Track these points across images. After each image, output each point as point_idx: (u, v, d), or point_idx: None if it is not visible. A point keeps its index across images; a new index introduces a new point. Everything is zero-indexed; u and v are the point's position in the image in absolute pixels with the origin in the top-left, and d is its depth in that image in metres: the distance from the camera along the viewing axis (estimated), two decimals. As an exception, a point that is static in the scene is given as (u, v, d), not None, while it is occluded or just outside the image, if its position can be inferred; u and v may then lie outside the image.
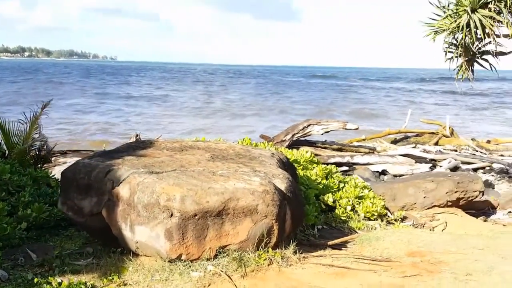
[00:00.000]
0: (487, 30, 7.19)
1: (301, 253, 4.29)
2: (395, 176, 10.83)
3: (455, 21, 7.36)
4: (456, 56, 8.03)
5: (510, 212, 7.84)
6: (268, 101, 36.00)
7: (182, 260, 3.98)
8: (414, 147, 13.94)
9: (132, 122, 22.76)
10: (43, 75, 66.40)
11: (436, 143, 14.69)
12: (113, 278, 3.81)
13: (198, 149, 5.25)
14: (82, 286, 3.63)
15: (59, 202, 4.78)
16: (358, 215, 6.49)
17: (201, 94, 41.15)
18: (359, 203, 6.64)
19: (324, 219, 6.09)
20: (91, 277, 3.87)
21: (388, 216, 6.81)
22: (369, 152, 12.65)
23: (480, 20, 7.13)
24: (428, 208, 7.21)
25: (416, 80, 76.97)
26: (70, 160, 8.92)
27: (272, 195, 4.10)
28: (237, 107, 30.78)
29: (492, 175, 11.17)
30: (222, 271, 3.83)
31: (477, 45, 7.86)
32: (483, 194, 7.81)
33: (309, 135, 12.72)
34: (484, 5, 7.23)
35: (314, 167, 7.20)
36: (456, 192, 7.19)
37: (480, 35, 7.27)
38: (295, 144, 12.27)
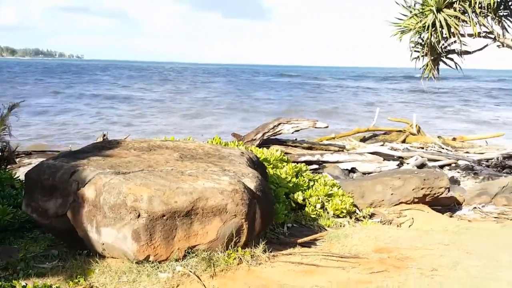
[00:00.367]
0: (452, 30, 7.33)
1: (271, 252, 4.29)
2: (364, 173, 10.97)
3: (421, 20, 7.49)
4: (422, 55, 8.17)
5: (475, 208, 8.03)
6: (238, 100, 35.96)
7: (150, 261, 3.93)
8: (382, 145, 14.14)
9: (97, 122, 22.37)
10: (5, 73, 64.57)
11: (404, 141, 14.95)
12: (79, 281, 3.74)
13: (166, 149, 5.20)
14: (47, 289, 3.55)
15: (23, 204, 4.66)
16: (328, 212, 6.54)
17: (170, 93, 40.74)
18: (329, 200, 6.70)
19: (294, 217, 6.12)
20: (57, 280, 3.79)
21: (357, 213, 6.89)
22: (338, 150, 12.78)
23: (445, 19, 7.27)
24: (396, 205, 7.33)
25: (384, 79, 78.26)
26: (35, 161, 8.72)
27: (241, 194, 4.09)
28: (206, 106, 30.65)
29: (458, 172, 11.43)
30: (191, 272, 3.80)
31: (443, 44, 8.01)
32: (448, 191, 7.98)
33: (280, 133, 12.77)
34: (449, 5, 7.38)
35: (284, 166, 7.22)
36: (422, 188, 7.32)
37: (445, 34, 7.42)
38: (265, 143, 12.30)
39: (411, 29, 7.68)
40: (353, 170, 11.21)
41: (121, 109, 27.75)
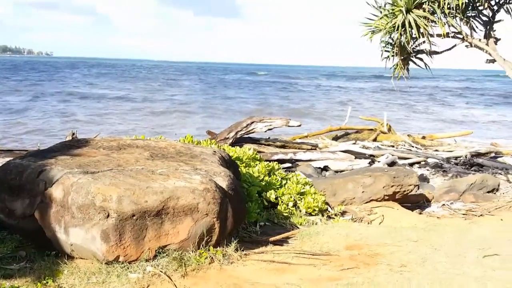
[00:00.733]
0: (421, 30, 7.45)
1: (243, 250, 4.30)
2: (336, 171, 11.06)
3: (391, 21, 7.58)
4: (392, 55, 8.28)
5: (444, 205, 8.19)
6: (210, 99, 35.75)
7: (120, 261, 3.88)
8: (354, 143, 14.29)
9: (65, 120, 21.85)
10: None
11: (375, 139, 15.13)
12: (47, 282, 3.67)
13: (136, 148, 5.14)
14: (14, 291, 3.46)
15: (-11, 204, 4.53)
16: (300, 210, 6.58)
17: (141, 91, 40.16)
18: (301, 199, 6.73)
19: (266, 216, 6.12)
20: (24, 282, 3.71)
21: (329, 211, 6.95)
22: (311, 149, 12.85)
23: (414, 20, 7.38)
24: (367, 202, 7.42)
25: (356, 78, 79.18)
26: (2, 161, 8.49)
27: (213, 193, 4.08)
28: (178, 105, 30.37)
29: (427, 170, 11.64)
30: (161, 272, 3.77)
31: (412, 44, 8.14)
32: (418, 188, 8.13)
33: (253, 132, 12.75)
34: (419, 6, 7.50)
35: (256, 164, 7.23)
36: (392, 186, 7.43)
37: (415, 34, 7.53)
38: (238, 142, 12.27)
39: (381, 29, 7.78)
40: (325, 168, 11.29)
41: (90, 108, 27.23)
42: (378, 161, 11.81)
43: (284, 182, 7.09)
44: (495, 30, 7.95)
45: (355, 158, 11.84)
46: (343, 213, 7.00)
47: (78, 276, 3.78)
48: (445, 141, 15.67)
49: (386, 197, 7.46)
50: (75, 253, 4.01)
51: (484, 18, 7.93)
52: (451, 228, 5.66)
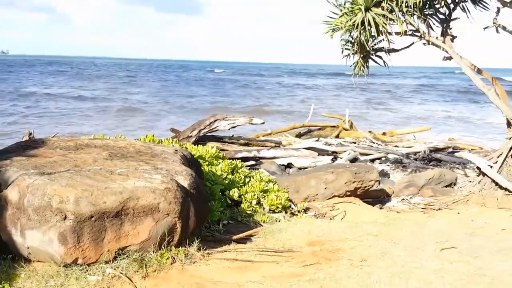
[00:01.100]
0: (380, 28, 7.59)
1: (206, 250, 4.27)
2: (300, 168, 11.15)
3: (351, 19, 7.69)
4: (353, 53, 8.40)
5: (403, 199, 8.38)
6: (171, 96, 35.35)
7: (78, 264, 3.80)
8: (317, 140, 14.45)
9: (21, 121, 21.16)
10: None
11: (337, 136, 15.35)
12: (3, 286, 3.56)
13: (95, 148, 5.02)
14: (-33, 297, 3.34)
15: None
16: (263, 208, 6.60)
17: (100, 90, 39.26)
18: (264, 196, 6.75)
19: (230, 214, 6.11)
20: (-22, 287, 3.57)
21: (292, 208, 6.99)
22: (275, 146, 12.92)
23: (373, 18, 7.51)
24: (329, 198, 7.51)
25: (318, 75, 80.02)
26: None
27: (174, 193, 4.03)
28: (138, 103, 29.94)
29: (388, 165, 11.88)
30: (122, 273, 3.70)
31: (372, 42, 8.28)
32: (379, 183, 8.29)
33: (216, 130, 12.70)
34: (378, 4, 7.63)
35: (220, 163, 7.20)
36: (354, 182, 7.55)
37: (374, 33, 7.67)
38: (202, 140, 12.20)
39: (341, 28, 7.87)
40: (289, 165, 11.38)
41: (46, 107, 26.44)
42: (341, 158, 11.98)
43: (247, 180, 7.09)
44: (451, 28, 8.19)
45: (318, 155, 11.97)
46: (306, 210, 7.06)
47: (36, 279, 3.67)
48: (405, 137, 16.05)
49: (348, 193, 7.57)
50: (33, 256, 3.90)
51: (441, 16, 8.16)
52: (410, 222, 5.79)
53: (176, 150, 5.31)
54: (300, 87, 50.98)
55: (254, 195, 6.66)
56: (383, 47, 8.34)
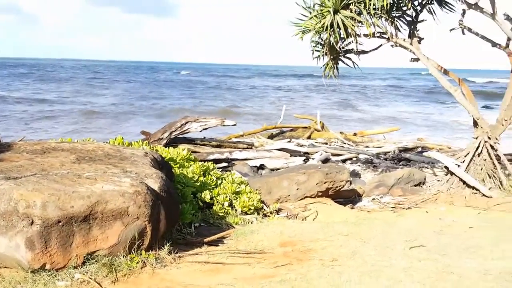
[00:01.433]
0: (349, 30, 7.68)
1: (177, 253, 4.23)
2: (272, 170, 11.17)
3: (320, 21, 7.76)
4: (323, 55, 8.48)
5: (374, 199, 8.49)
6: (140, 98, 34.93)
7: (46, 269, 3.72)
8: (289, 142, 14.51)
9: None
10: None
11: (309, 137, 15.45)
12: (-33, 295, 3.44)
13: (62, 151, 4.92)
14: None
15: None
16: (236, 210, 6.58)
17: (68, 93, 38.46)
18: (236, 198, 6.74)
19: (201, 217, 6.07)
20: None
21: (264, 209, 7.00)
22: (247, 148, 12.91)
23: (342, 20, 7.60)
24: (301, 199, 7.54)
25: (289, 77, 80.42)
26: None
27: (144, 196, 3.98)
28: (108, 106, 29.49)
29: (359, 165, 12.02)
30: (90, 278, 3.63)
31: (341, 44, 8.37)
32: (350, 184, 8.38)
33: (188, 132, 12.61)
34: (346, 6, 7.72)
35: (191, 165, 7.15)
36: (325, 182, 7.60)
37: (343, 35, 7.75)
38: (173, 142, 12.09)
39: (311, 30, 7.93)
40: (261, 166, 11.38)
41: (14, 110, 25.78)
42: (313, 158, 12.05)
43: (219, 182, 7.06)
44: (418, 30, 8.36)
45: (291, 156, 12.02)
46: (278, 211, 7.08)
47: (2, 285, 3.58)
48: (375, 137, 16.28)
49: (320, 193, 7.62)
50: (-2, 262, 3.79)
51: (408, 18, 8.31)
52: (380, 222, 5.87)
53: (146, 153, 5.25)
54: (271, 89, 51.15)
55: (226, 197, 6.64)
56: (352, 49, 8.45)
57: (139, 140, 8.61)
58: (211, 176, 7.14)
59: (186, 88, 47.93)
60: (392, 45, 8.32)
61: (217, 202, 6.54)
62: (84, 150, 5.01)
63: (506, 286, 3.57)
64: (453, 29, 8.30)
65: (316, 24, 7.78)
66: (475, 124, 7.96)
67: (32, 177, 3.98)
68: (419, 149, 13.74)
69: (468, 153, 8.01)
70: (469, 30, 8.18)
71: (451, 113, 28.77)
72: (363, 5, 7.65)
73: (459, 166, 7.96)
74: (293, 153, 12.30)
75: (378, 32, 8.16)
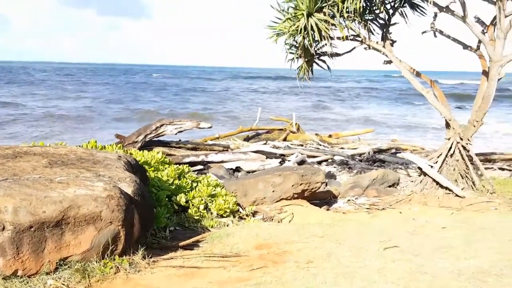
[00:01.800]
0: (323, 33, 7.75)
1: (151, 257, 4.19)
2: (248, 172, 11.18)
3: (294, 24, 7.80)
4: (297, 57, 8.53)
5: (349, 200, 8.57)
6: (115, 102, 34.47)
7: (18, 276, 3.64)
8: (265, 144, 14.56)
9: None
10: None
11: (285, 139, 15.53)
12: None
13: (34, 155, 4.82)
14: None
15: None
16: (211, 213, 6.56)
17: (42, 96, 37.66)
18: (212, 201, 6.72)
19: (177, 220, 6.03)
20: None
21: (240, 212, 7.00)
22: (223, 150, 12.89)
23: (316, 23, 7.66)
24: (277, 201, 7.57)
25: (263, 79, 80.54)
26: None
27: (117, 200, 3.93)
28: (80, 108, 29.03)
29: (334, 167, 12.13)
30: (63, 284, 3.57)
31: (315, 47, 8.43)
32: (325, 185, 8.44)
33: (163, 135, 12.53)
34: (320, 10, 7.79)
35: (166, 168, 7.09)
36: (301, 184, 7.64)
37: (317, 37, 7.81)
38: (148, 145, 12.00)
39: (285, 32, 7.97)
40: (237, 169, 11.38)
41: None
42: (289, 160, 12.11)
43: (195, 185, 7.03)
44: (391, 33, 8.49)
45: (267, 158, 12.05)
46: (254, 213, 7.08)
47: (-28, 294, 3.49)
48: (350, 138, 16.45)
49: (296, 195, 7.66)
50: (-32, 270, 3.69)
51: (381, 21, 8.43)
52: (354, 223, 5.93)
53: (120, 156, 5.19)
54: (246, 91, 51.17)
55: (202, 200, 6.61)
56: (326, 52, 8.52)
57: (113, 143, 8.50)
58: (187, 179, 7.10)
59: (160, 91, 47.52)
60: (365, 48, 8.42)
61: (193, 205, 6.51)
62: (57, 154, 4.92)
63: (479, 285, 3.64)
64: (425, 31, 8.46)
65: (290, 27, 7.82)
66: (447, 125, 8.11)
67: (3, 182, 3.89)
68: (393, 150, 13.95)
69: (440, 154, 8.15)
70: (441, 32, 8.34)
71: (424, 115, 29.29)
72: (336, 8, 7.72)
73: (432, 167, 8.10)
74: (269, 155, 12.33)
75: (351, 35, 8.25)
